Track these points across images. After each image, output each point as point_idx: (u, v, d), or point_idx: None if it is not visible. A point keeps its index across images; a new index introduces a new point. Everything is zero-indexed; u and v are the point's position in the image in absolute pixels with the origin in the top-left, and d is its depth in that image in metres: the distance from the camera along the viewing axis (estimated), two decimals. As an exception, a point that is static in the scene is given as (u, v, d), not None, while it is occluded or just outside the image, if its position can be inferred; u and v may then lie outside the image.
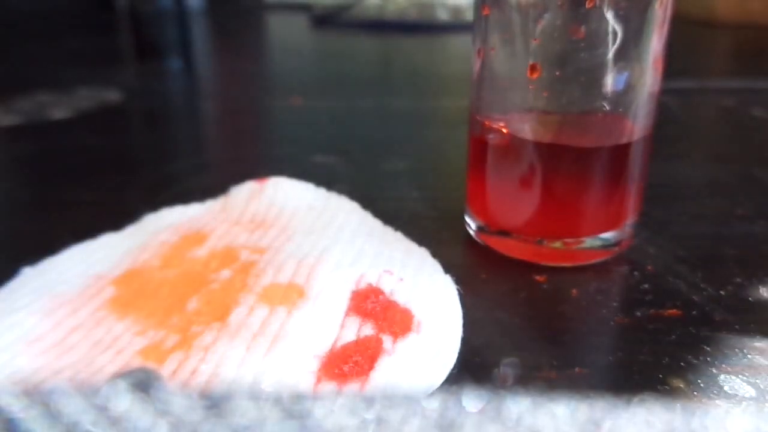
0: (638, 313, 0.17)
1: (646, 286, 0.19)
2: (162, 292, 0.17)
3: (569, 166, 0.19)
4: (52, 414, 0.08)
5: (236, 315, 0.15)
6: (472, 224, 0.22)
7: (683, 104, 0.41)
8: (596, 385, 0.14)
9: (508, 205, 0.20)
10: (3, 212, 0.26)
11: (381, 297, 0.17)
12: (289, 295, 0.16)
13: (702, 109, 0.41)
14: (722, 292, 0.18)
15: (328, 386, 0.13)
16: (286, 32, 0.92)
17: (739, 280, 0.19)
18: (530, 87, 0.18)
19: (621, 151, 0.19)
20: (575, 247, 0.20)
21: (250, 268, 0.18)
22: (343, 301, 0.16)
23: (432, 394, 0.08)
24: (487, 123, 0.20)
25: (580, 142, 0.19)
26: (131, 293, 0.17)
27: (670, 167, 0.30)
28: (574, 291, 0.18)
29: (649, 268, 0.20)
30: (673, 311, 0.17)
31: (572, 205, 0.19)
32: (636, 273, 0.19)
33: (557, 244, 0.19)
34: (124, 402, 0.08)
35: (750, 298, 0.18)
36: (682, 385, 0.14)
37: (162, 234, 0.20)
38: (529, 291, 0.18)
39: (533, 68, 0.18)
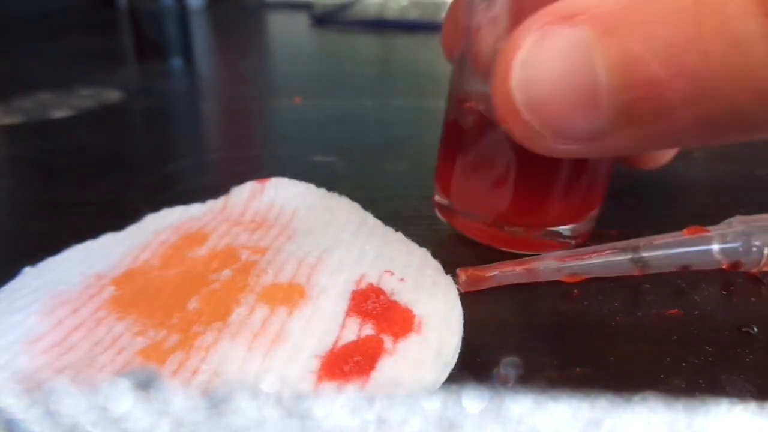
0: (639, 313, 0.17)
1: (648, 285, 0.19)
2: (163, 292, 0.17)
3: (534, 154, 0.19)
4: (52, 414, 0.08)
5: (237, 315, 0.15)
6: (437, 201, 0.22)
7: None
8: (597, 385, 0.14)
9: (472, 186, 0.20)
10: (3, 212, 0.26)
11: (382, 297, 0.17)
12: (290, 295, 0.16)
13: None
14: (724, 292, 0.18)
15: (329, 386, 0.13)
16: (287, 31, 0.92)
17: (740, 280, 0.19)
18: None
19: None
20: (535, 236, 0.20)
21: (251, 268, 0.18)
22: (344, 301, 0.16)
23: (433, 394, 0.08)
24: (463, 101, 0.20)
25: None
26: (132, 293, 0.17)
27: (671, 167, 0.30)
28: (576, 291, 0.18)
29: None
30: (675, 311, 0.17)
31: (535, 193, 0.19)
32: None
33: (517, 230, 0.20)
34: (124, 402, 0.08)
35: (752, 298, 0.18)
36: (683, 385, 0.14)
37: (162, 234, 0.20)
38: (530, 291, 0.18)
39: None
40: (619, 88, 0.11)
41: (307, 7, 0.97)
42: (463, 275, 0.18)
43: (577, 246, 0.21)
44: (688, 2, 0.10)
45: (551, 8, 0.12)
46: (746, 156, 0.31)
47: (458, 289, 0.18)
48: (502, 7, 0.17)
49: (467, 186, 0.20)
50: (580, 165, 0.19)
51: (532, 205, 0.19)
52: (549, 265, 0.18)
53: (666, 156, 0.21)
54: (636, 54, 0.11)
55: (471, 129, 0.20)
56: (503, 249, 0.20)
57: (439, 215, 0.22)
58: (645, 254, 0.18)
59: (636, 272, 0.18)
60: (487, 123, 0.19)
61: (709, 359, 0.15)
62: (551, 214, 0.20)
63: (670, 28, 0.11)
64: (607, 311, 0.17)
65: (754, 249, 0.18)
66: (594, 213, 0.21)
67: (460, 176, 0.20)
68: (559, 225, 0.20)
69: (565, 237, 0.20)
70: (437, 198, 0.22)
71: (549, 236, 0.20)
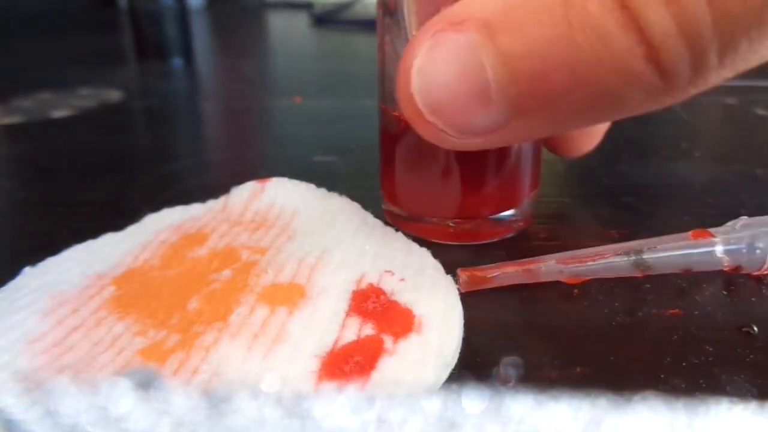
0: (640, 313, 0.17)
1: (648, 285, 0.19)
2: (163, 292, 0.17)
3: (463, 152, 0.20)
4: (52, 414, 0.08)
5: (237, 315, 0.15)
6: (386, 210, 0.23)
7: (685, 103, 0.41)
8: (597, 385, 0.14)
9: (413, 189, 0.21)
10: (3, 212, 0.26)
11: (382, 297, 0.17)
12: (290, 295, 0.16)
13: (704, 107, 0.41)
14: (724, 292, 0.18)
15: (329, 386, 0.13)
16: (287, 31, 0.92)
17: (741, 280, 0.19)
18: None
19: None
20: (481, 226, 0.21)
21: (251, 268, 0.18)
22: (344, 301, 0.16)
23: (433, 394, 0.08)
24: (388, 113, 0.21)
25: None
26: (132, 293, 0.17)
27: (672, 166, 0.30)
28: (576, 291, 0.18)
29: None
30: (675, 311, 0.17)
31: (471, 186, 0.20)
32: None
33: (463, 224, 0.21)
34: (125, 402, 0.08)
35: (752, 298, 0.18)
36: (683, 385, 0.14)
37: (163, 234, 0.20)
38: (530, 291, 0.18)
39: None
40: (507, 84, 0.13)
41: (307, 7, 0.97)
42: (463, 275, 0.18)
43: (521, 228, 0.22)
44: (557, 2, 0.12)
45: (440, 16, 0.13)
46: (747, 156, 0.31)
47: (458, 289, 0.18)
48: (406, 22, 0.19)
49: (409, 190, 0.21)
50: (504, 154, 0.20)
51: (471, 198, 0.21)
52: (550, 268, 0.18)
53: (587, 146, 0.22)
54: (517, 52, 0.12)
55: (399, 135, 0.21)
56: (457, 243, 0.21)
57: (389, 222, 0.23)
58: (648, 257, 0.18)
59: (637, 273, 0.18)
60: (411, 131, 0.20)
61: (710, 359, 0.15)
62: (490, 203, 0.21)
63: (543, 26, 0.12)
64: (608, 311, 0.17)
65: (758, 252, 0.18)
66: (532, 196, 0.22)
67: (400, 182, 0.22)
68: (501, 211, 0.21)
69: (509, 222, 0.22)
70: (384, 207, 0.23)
71: (495, 224, 0.21)
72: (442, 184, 0.20)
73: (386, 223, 0.21)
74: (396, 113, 0.21)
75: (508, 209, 0.21)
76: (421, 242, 0.20)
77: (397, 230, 0.21)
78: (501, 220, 0.21)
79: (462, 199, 0.21)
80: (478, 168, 0.20)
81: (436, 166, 0.20)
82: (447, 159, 0.20)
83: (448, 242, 0.21)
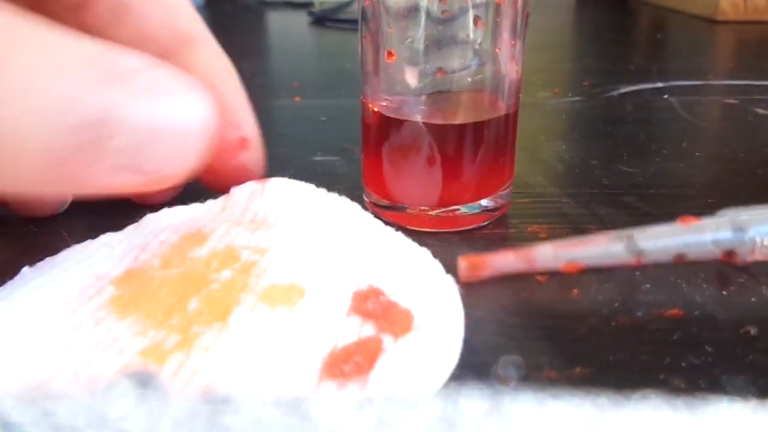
0: (639, 313, 0.17)
1: (648, 285, 0.19)
2: (162, 292, 0.17)
3: (437, 142, 0.21)
4: (51, 415, 0.08)
5: (237, 315, 0.15)
6: (369, 202, 0.24)
7: (686, 102, 0.41)
8: (597, 385, 0.14)
9: (390, 180, 0.22)
10: (3, 212, 0.26)
11: (381, 297, 0.17)
12: (290, 295, 0.16)
13: (705, 106, 0.41)
14: (724, 292, 0.18)
15: (329, 386, 0.13)
16: (286, 30, 0.92)
17: (741, 280, 0.19)
18: (390, 71, 0.21)
19: (484, 127, 0.21)
20: (460, 213, 0.22)
21: (251, 269, 0.18)
22: (344, 301, 0.16)
23: (433, 394, 0.08)
24: (367, 104, 0.22)
25: (445, 119, 0.21)
26: (131, 293, 0.17)
27: (672, 166, 0.30)
28: (576, 291, 0.18)
29: (651, 268, 0.20)
30: (675, 311, 0.17)
31: (451, 176, 0.21)
32: (638, 273, 0.19)
33: (444, 213, 0.22)
34: (124, 403, 0.08)
35: (752, 299, 0.18)
36: (683, 385, 0.14)
37: (162, 234, 0.20)
38: (530, 291, 0.18)
39: (389, 54, 0.21)
40: None
41: (307, 6, 0.97)
42: (463, 262, 0.18)
43: (497, 216, 0.23)
44: None
45: None
46: (747, 155, 0.31)
47: (459, 290, 0.18)
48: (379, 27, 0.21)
49: (388, 179, 0.22)
50: (482, 145, 0.21)
51: (450, 186, 0.21)
52: (547, 253, 0.19)
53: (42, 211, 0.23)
54: None
55: (379, 127, 0.22)
56: (444, 230, 0.22)
57: (371, 212, 0.23)
58: (639, 241, 0.18)
59: (633, 261, 0.18)
60: (389, 121, 0.21)
61: (709, 359, 0.15)
62: (469, 191, 0.22)
63: None
64: (607, 311, 0.17)
65: (747, 239, 0.18)
66: (507, 185, 0.23)
67: (379, 171, 0.22)
68: (479, 200, 0.22)
69: (489, 210, 0.23)
70: (366, 197, 0.24)
71: (472, 212, 0.22)
72: (421, 173, 0.21)
73: (386, 224, 0.21)
74: (370, 104, 0.22)
75: (485, 197, 0.22)
76: (419, 241, 0.20)
77: (396, 230, 0.21)
78: (483, 207, 0.22)
79: (441, 187, 0.21)
80: (457, 158, 0.21)
81: (413, 155, 0.21)
82: (426, 149, 0.21)
83: (428, 229, 0.22)
